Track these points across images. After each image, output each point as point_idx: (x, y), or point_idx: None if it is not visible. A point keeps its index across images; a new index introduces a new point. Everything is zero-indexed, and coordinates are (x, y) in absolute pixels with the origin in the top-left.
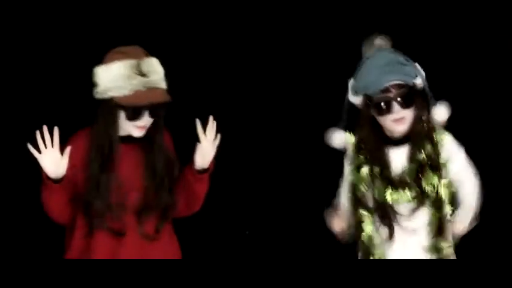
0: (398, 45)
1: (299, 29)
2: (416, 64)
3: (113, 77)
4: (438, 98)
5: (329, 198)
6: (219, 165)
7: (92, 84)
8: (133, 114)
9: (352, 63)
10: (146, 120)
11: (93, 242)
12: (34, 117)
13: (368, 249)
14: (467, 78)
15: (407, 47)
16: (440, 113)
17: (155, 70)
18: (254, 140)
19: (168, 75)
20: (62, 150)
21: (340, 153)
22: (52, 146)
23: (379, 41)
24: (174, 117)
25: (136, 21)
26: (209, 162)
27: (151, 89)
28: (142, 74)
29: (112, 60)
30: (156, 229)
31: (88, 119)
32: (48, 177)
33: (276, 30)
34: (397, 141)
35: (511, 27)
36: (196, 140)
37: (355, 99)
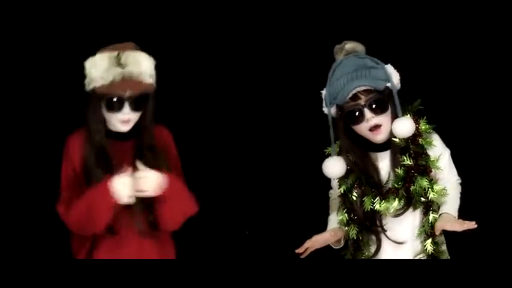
0: (379, 49)
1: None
2: (389, 66)
3: (95, 68)
4: (421, 99)
5: (327, 198)
6: (219, 165)
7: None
8: (112, 105)
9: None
10: (129, 113)
11: (96, 242)
12: (31, 117)
13: (356, 255)
14: (451, 80)
15: (391, 51)
16: (401, 128)
17: (135, 62)
18: (254, 141)
19: (165, 75)
20: (59, 151)
21: None
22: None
23: (350, 45)
24: (172, 117)
25: (136, 22)
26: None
27: (127, 80)
28: (120, 64)
29: (98, 53)
30: (150, 223)
31: (83, 118)
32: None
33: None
34: (382, 146)
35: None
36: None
37: (329, 111)
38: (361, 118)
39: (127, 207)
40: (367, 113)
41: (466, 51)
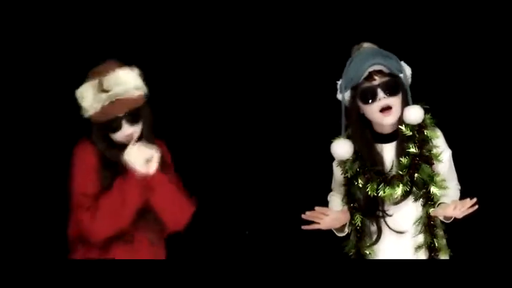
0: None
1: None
2: (403, 62)
3: (84, 99)
4: (428, 99)
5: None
6: (219, 165)
7: None
8: (111, 127)
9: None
10: (128, 129)
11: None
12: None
13: (359, 245)
14: (458, 81)
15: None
16: (412, 114)
17: (117, 83)
18: (253, 141)
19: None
20: (67, 160)
21: None
22: None
23: (367, 45)
24: (172, 113)
25: (130, 33)
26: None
27: (114, 102)
28: (104, 90)
29: (84, 82)
30: (160, 231)
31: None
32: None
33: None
34: (388, 138)
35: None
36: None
37: (343, 97)
38: (373, 97)
39: (140, 216)
40: (380, 92)
41: (466, 55)
